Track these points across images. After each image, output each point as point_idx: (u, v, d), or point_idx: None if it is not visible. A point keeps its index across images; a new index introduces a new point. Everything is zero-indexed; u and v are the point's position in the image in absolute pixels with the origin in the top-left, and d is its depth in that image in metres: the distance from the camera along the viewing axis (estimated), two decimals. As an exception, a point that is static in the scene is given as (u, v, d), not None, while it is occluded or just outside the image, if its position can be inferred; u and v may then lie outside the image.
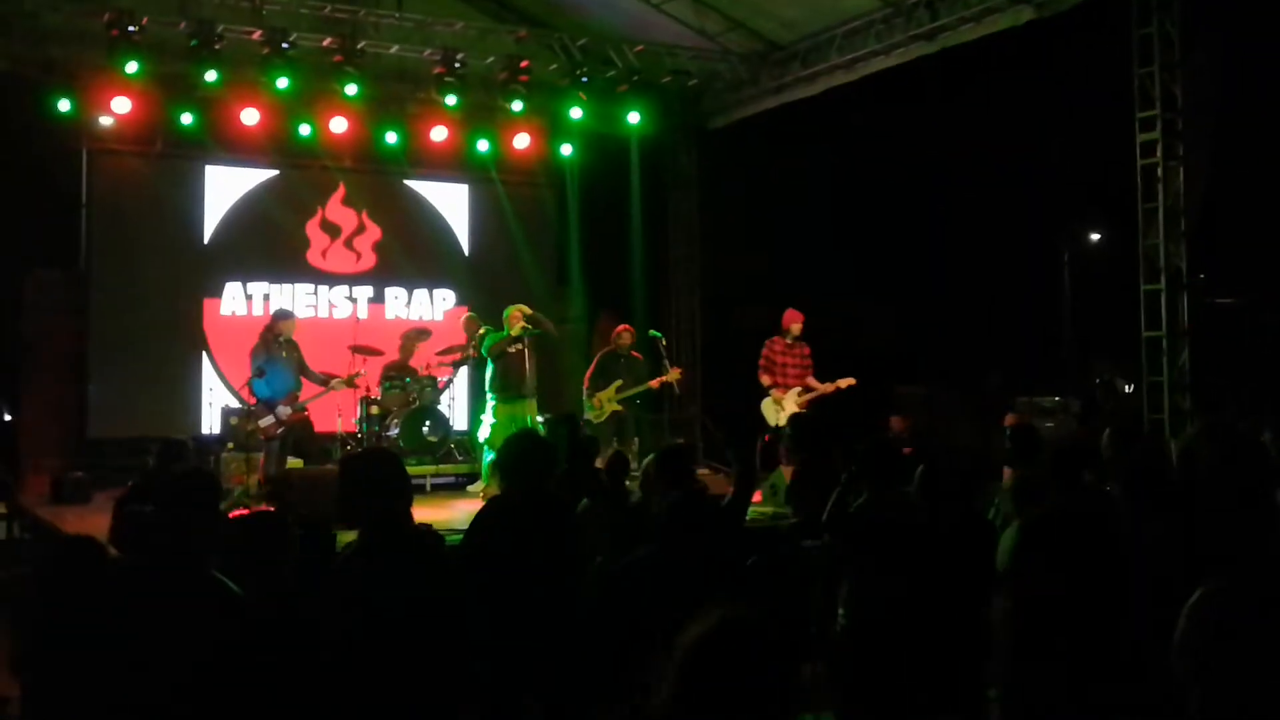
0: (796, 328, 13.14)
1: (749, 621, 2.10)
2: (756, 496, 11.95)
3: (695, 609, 3.22)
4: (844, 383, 13.16)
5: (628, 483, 8.43)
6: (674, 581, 4.57)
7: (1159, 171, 11.47)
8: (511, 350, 12.06)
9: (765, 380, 13.11)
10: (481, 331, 12.54)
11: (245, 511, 9.03)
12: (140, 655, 3.89)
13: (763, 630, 2.37)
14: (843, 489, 5.99)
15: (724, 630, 2.26)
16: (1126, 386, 20.78)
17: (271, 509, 5.35)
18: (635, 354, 13.48)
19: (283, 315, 11.79)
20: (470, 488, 12.95)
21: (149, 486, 6.75)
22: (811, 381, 13.12)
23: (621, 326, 13.65)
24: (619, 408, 13.19)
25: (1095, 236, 25.22)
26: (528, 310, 12.27)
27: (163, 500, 4.40)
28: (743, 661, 2.34)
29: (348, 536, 4.35)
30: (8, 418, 15.94)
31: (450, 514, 11.08)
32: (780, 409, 12.95)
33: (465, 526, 9.34)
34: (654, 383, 13.33)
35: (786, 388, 13.07)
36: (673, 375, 13.29)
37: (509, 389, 12.05)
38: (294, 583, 4.75)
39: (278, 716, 4.05)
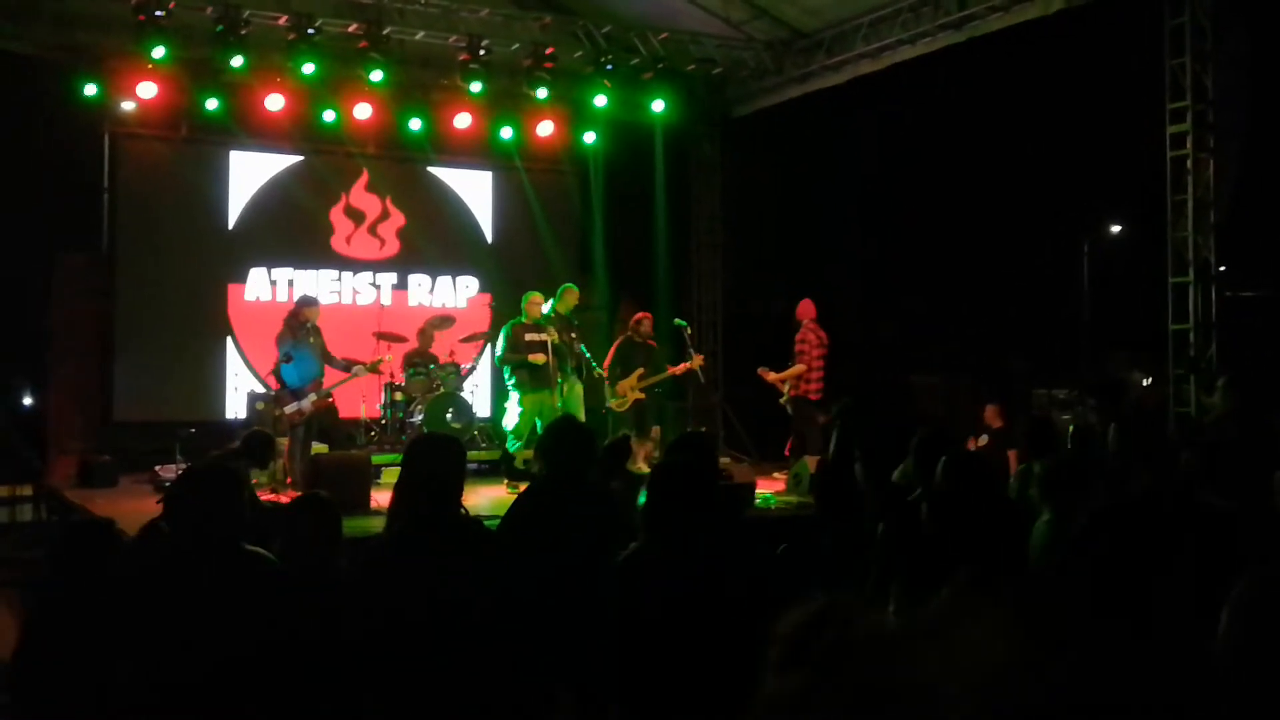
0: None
1: (853, 609, 2.08)
2: (780, 485, 12.06)
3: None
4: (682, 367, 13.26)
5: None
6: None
7: (1189, 163, 11.42)
8: (531, 340, 12.05)
9: None
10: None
11: (281, 498, 9.10)
12: (169, 631, 3.95)
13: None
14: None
15: (827, 618, 2.23)
16: (1144, 379, 20.72)
17: (321, 493, 5.37)
18: (652, 342, 13.42)
19: (307, 302, 11.81)
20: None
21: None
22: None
23: (640, 314, 13.61)
24: (641, 396, 13.16)
25: (1116, 229, 25.13)
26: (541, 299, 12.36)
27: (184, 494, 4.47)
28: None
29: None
30: (28, 401, 16.01)
31: (474, 500, 11.09)
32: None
33: (489, 513, 9.40)
34: (675, 369, 13.27)
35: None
36: (695, 363, 13.25)
37: (534, 381, 12.06)
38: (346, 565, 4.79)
39: (318, 701, 4.09)
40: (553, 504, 5.41)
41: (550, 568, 5.16)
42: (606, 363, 13.22)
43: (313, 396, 11.28)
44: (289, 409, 11.20)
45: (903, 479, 5.90)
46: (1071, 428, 7.58)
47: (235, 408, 14.81)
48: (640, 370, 13.10)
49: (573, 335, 12.51)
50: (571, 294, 12.79)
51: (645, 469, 10.81)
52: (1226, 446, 5.20)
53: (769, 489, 11.89)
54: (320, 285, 15.46)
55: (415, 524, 4.38)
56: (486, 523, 5.86)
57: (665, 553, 4.20)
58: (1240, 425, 6.39)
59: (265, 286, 15.43)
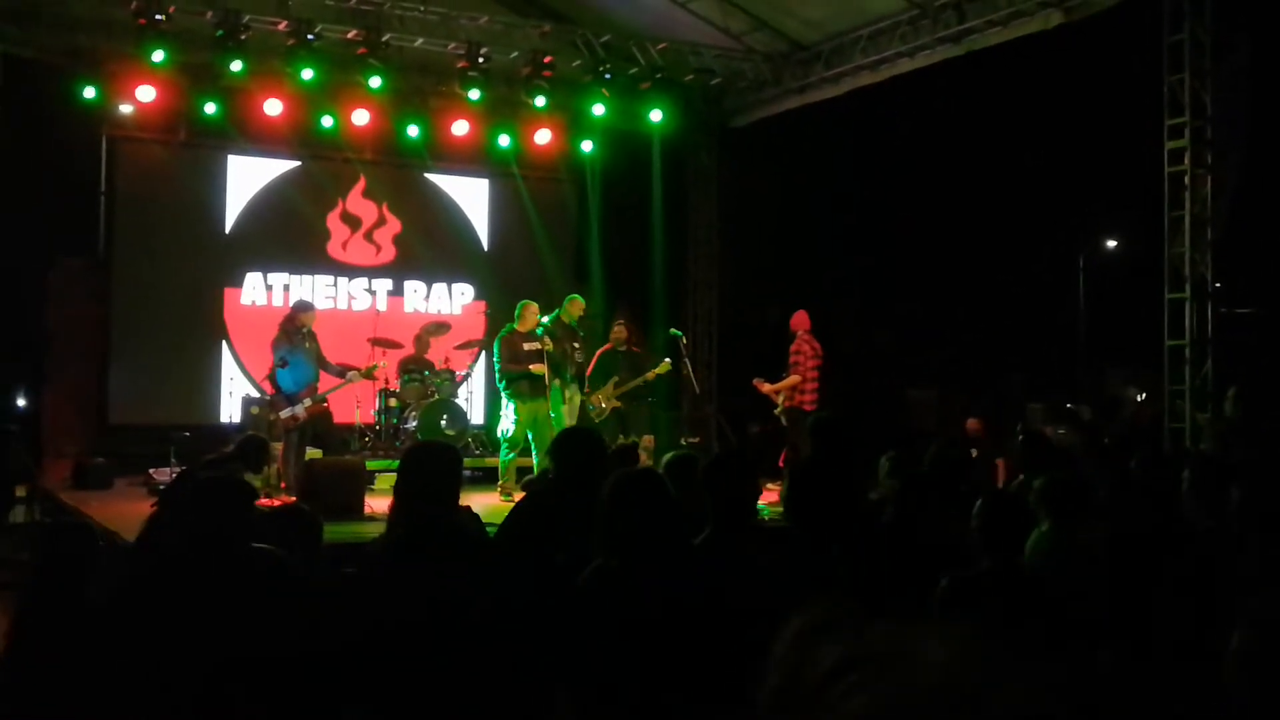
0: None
1: (855, 613, 2.08)
2: (774, 497, 12.03)
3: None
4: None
5: None
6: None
7: (1186, 179, 11.39)
8: (530, 349, 12.01)
9: None
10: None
11: (273, 503, 9.08)
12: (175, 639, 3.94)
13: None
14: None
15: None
16: (1139, 395, 20.80)
17: (300, 502, 5.37)
18: (635, 349, 13.35)
19: (303, 307, 11.78)
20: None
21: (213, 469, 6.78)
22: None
23: (617, 322, 13.57)
24: (619, 404, 13.07)
25: (1112, 243, 25.20)
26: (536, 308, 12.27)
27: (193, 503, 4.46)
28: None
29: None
30: (22, 403, 15.99)
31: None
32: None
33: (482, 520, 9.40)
34: (648, 375, 13.17)
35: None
36: (663, 368, 13.15)
37: (533, 390, 12.01)
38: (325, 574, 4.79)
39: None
40: (555, 508, 5.41)
41: (549, 570, 5.17)
42: (587, 373, 13.10)
43: (307, 402, 11.25)
44: (284, 414, 11.18)
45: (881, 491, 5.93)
46: (1021, 435, 7.63)
47: (230, 412, 14.78)
48: (615, 378, 13.04)
49: (575, 345, 12.46)
50: (576, 304, 12.70)
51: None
52: (1211, 464, 5.23)
53: (762, 500, 11.86)
54: (316, 290, 15.46)
55: (413, 530, 4.39)
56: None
57: (644, 564, 4.21)
58: (1247, 435, 6.41)
59: (261, 291, 15.42)
